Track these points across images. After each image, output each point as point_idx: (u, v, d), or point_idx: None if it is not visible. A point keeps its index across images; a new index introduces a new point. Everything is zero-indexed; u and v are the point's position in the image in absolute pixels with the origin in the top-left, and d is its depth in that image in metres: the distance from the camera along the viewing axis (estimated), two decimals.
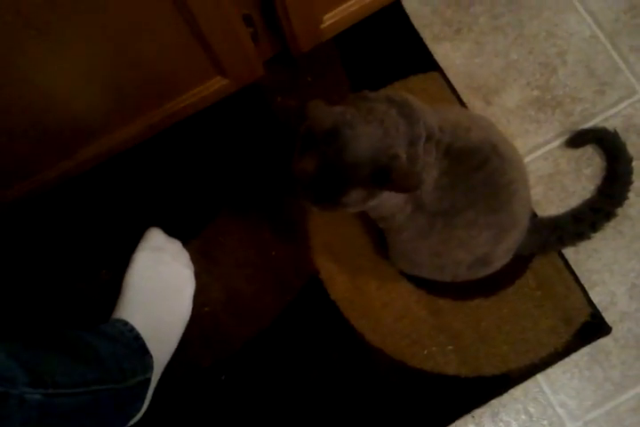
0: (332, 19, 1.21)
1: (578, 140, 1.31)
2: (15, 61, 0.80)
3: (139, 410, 1.11)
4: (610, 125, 1.31)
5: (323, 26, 1.20)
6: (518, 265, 1.22)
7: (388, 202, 0.95)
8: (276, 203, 1.29)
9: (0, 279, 1.28)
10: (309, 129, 0.85)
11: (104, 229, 1.30)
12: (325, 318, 1.23)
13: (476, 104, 1.34)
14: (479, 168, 0.93)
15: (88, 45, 0.87)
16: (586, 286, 1.24)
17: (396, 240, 1.11)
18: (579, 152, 1.32)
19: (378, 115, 0.85)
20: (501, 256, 1.07)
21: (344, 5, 1.20)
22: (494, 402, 1.21)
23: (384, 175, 0.80)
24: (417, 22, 1.37)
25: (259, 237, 1.27)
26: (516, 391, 1.21)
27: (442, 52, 1.36)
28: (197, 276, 1.24)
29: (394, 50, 1.34)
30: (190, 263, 1.23)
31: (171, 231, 1.25)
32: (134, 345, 1.09)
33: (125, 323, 1.11)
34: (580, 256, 1.26)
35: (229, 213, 1.28)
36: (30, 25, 0.74)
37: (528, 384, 1.21)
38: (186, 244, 1.25)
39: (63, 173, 1.20)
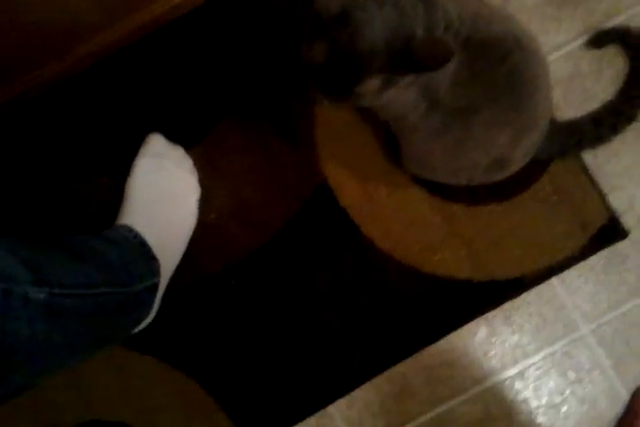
0: None
1: (600, 39, 1.23)
2: None
3: (147, 315, 1.09)
4: (635, 24, 1.23)
5: None
6: (535, 169, 1.17)
7: (400, 99, 0.90)
8: (282, 108, 1.23)
9: None
10: (317, 14, 0.78)
11: (104, 134, 1.24)
12: (335, 225, 1.20)
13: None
14: (501, 61, 0.88)
15: None
16: (604, 191, 1.21)
17: (409, 142, 1.06)
18: (600, 53, 1.24)
19: None
20: (519, 159, 1.03)
21: None
22: (507, 306, 1.20)
23: (404, 59, 0.75)
24: None
25: (264, 143, 1.22)
26: (530, 295, 1.20)
27: None
28: (202, 183, 1.20)
29: None
30: (194, 169, 1.19)
31: (173, 137, 1.20)
32: (140, 250, 1.07)
33: (130, 229, 1.08)
34: (599, 160, 1.22)
35: (233, 118, 1.22)
36: None
37: (542, 288, 1.20)
38: (189, 150, 1.20)
39: (57, 73, 1.14)
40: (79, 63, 1.16)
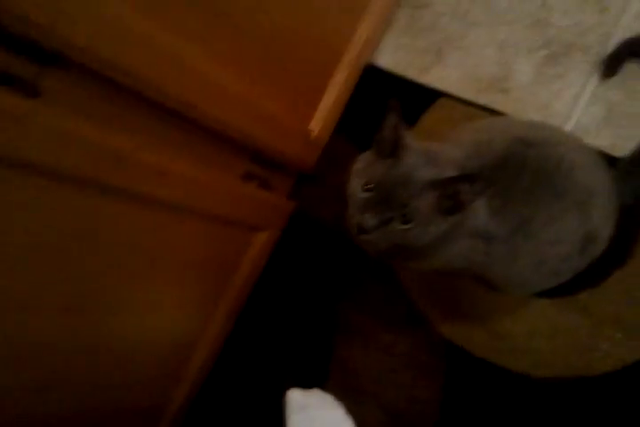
0: (317, 125, 1.30)
1: (611, 66, 1.21)
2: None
3: None
4: (633, 32, 1.20)
5: (313, 135, 1.30)
6: (634, 215, 1.10)
7: (456, 253, 0.93)
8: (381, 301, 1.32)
9: None
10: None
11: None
12: (478, 375, 1.21)
13: (497, 99, 1.31)
14: (520, 170, 0.88)
15: None
16: None
17: (495, 275, 1.04)
18: (619, 76, 1.21)
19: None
20: (603, 225, 0.96)
21: (320, 107, 1.30)
22: None
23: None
24: (398, 68, 1.42)
25: (381, 342, 1.29)
26: None
27: (436, 77, 1.38)
28: (350, 410, 1.30)
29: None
30: (337, 403, 1.28)
31: (304, 381, 1.29)
32: None
33: None
34: None
35: (344, 338, 1.33)
36: None
37: None
38: (324, 387, 1.29)
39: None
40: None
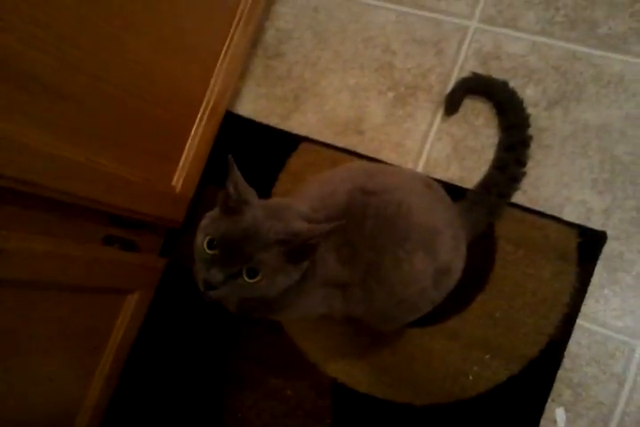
0: (179, 180, 1.30)
1: (451, 104, 1.30)
2: None
3: None
4: (468, 71, 1.30)
5: (176, 191, 1.29)
6: (486, 242, 1.18)
7: (311, 304, 0.96)
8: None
9: None
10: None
11: None
12: (365, 410, 1.23)
13: (353, 140, 1.37)
14: (363, 218, 0.91)
15: None
16: (555, 214, 1.17)
17: (359, 315, 1.06)
18: (461, 112, 1.30)
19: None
20: (452, 258, 1.00)
21: (180, 162, 1.30)
22: (561, 375, 1.12)
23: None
24: (260, 116, 1.46)
25: (269, 387, 1.30)
26: (571, 349, 1.13)
27: (296, 123, 1.43)
28: None
29: (258, 151, 1.42)
30: None
31: None
32: None
33: None
34: (530, 193, 1.20)
35: (233, 388, 1.33)
36: None
37: (575, 336, 1.13)
38: None
39: None
40: None
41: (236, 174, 0.83)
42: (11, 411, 1.05)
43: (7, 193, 0.89)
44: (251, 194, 0.86)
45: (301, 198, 0.97)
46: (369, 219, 0.91)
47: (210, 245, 0.82)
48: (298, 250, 0.82)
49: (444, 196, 1.04)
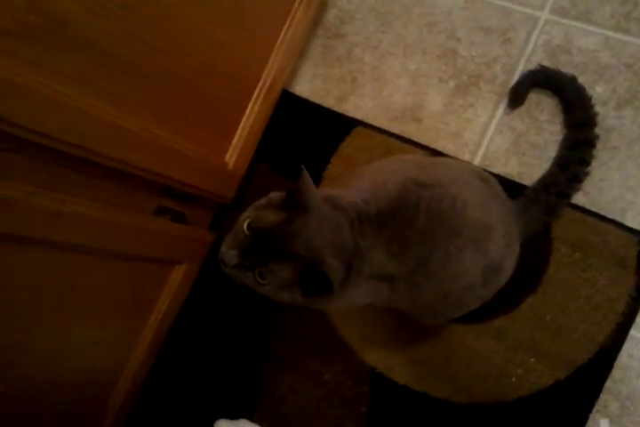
0: (232, 157, 1.29)
1: (516, 97, 1.25)
2: None
3: None
4: (535, 64, 1.25)
5: (229, 167, 1.28)
6: (541, 243, 1.14)
7: (359, 296, 0.94)
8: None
9: None
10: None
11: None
12: (401, 402, 1.22)
13: (409, 129, 1.34)
14: (415, 212, 0.89)
15: None
16: (617, 219, 1.13)
17: (404, 307, 1.06)
18: (525, 106, 1.26)
19: None
20: (504, 256, 0.97)
21: (235, 139, 1.29)
22: (609, 386, 1.09)
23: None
24: (316, 97, 1.44)
25: (307, 370, 1.30)
26: (622, 360, 1.10)
27: (351, 107, 1.40)
28: None
29: (312, 132, 1.40)
30: None
31: (232, 411, 1.32)
32: None
33: None
34: (593, 194, 1.16)
35: (271, 367, 1.33)
36: None
37: (628, 347, 1.09)
38: (251, 416, 1.31)
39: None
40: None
41: (307, 181, 0.82)
42: (56, 370, 1.07)
43: (67, 158, 0.89)
44: (314, 200, 0.84)
45: (352, 190, 0.95)
46: (422, 213, 0.89)
47: (248, 227, 0.82)
48: (312, 276, 0.80)
49: (500, 191, 1.02)
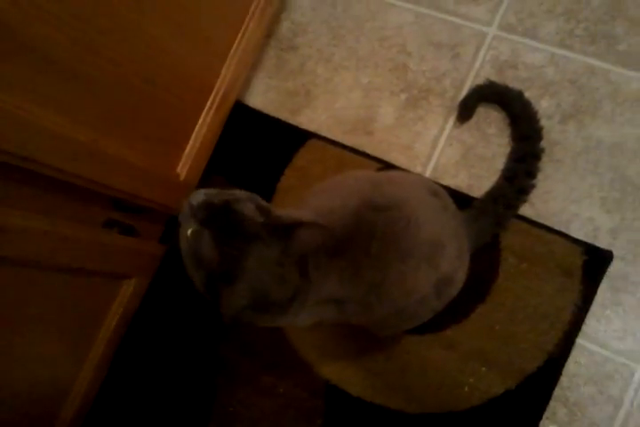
0: (184, 168, 1.28)
1: (465, 111, 1.28)
2: None
3: None
4: (483, 78, 1.28)
5: (180, 179, 1.27)
6: (489, 253, 1.17)
7: (295, 320, 0.92)
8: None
9: None
10: None
11: None
12: (356, 413, 1.22)
13: (361, 141, 1.35)
14: (369, 239, 0.88)
15: None
16: (562, 230, 1.16)
17: (356, 322, 1.05)
18: (473, 120, 1.29)
19: None
20: (455, 268, 0.99)
21: (187, 149, 1.28)
22: (558, 393, 1.12)
23: None
24: (269, 109, 1.44)
25: (262, 383, 1.29)
26: (569, 368, 1.13)
27: (305, 119, 1.41)
28: None
29: (266, 144, 1.40)
30: None
31: (186, 422, 1.32)
32: None
33: None
34: (538, 206, 1.19)
35: (226, 381, 1.32)
36: None
37: (575, 355, 1.12)
38: None
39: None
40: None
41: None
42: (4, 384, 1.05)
43: (10, 170, 0.87)
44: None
45: (308, 210, 0.94)
46: (376, 239, 0.89)
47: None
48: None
49: (450, 204, 1.03)
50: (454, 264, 0.97)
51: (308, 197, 1.00)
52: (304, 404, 1.24)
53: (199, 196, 0.79)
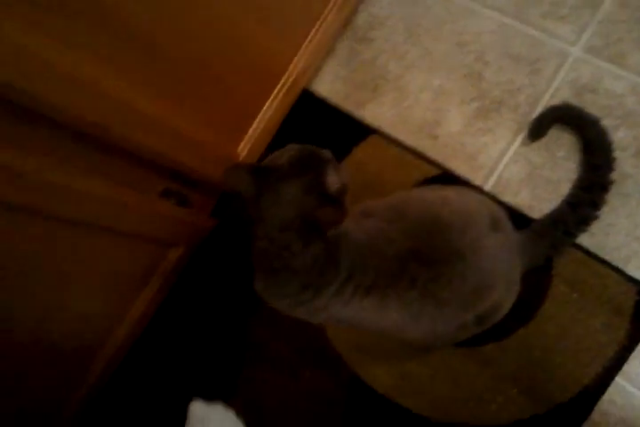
0: (245, 148, 1.28)
1: (537, 129, 1.25)
2: None
3: None
4: (559, 99, 1.26)
5: (241, 158, 1.28)
6: (542, 278, 1.16)
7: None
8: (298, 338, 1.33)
9: None
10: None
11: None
12: (377, 411, 1.23)
13: (424, 144, 1.33)
14: (409, 287, 0.89)
15: None
16: (619, 266, 1.14)
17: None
18: (544, 140, 1.26)
19: None
20: (503, 299, 0.98)
21: (250, 130, 1.29)
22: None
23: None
24: (335, 99, 1.42)
25: (289, 365, 1.30)
26: (603, 405, 1.11)
27: (370, 114, 1.39)
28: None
29: (327, 133, 1.38)
30: (237, 420, 1.26)
31: (210, 393, 1.32)
32: None
33: None
34: (599, 237, 1.17)
35: (254, 358, 1.33)
36: None
37: (610, 393, 1.11)
38: (229, 401, 1.23)
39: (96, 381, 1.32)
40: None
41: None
42: (45, 332, 1.07)
43: (79, 135, 0.87)
44: None
45: (358, 231, 0.94)
46: (415, 289, 0.90)
47: None
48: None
49: (509, 231, 1.01)
50: (501, 297, 0.97)
51: (361, 217, 0.99)
52: (327, 392, 1.25)
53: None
